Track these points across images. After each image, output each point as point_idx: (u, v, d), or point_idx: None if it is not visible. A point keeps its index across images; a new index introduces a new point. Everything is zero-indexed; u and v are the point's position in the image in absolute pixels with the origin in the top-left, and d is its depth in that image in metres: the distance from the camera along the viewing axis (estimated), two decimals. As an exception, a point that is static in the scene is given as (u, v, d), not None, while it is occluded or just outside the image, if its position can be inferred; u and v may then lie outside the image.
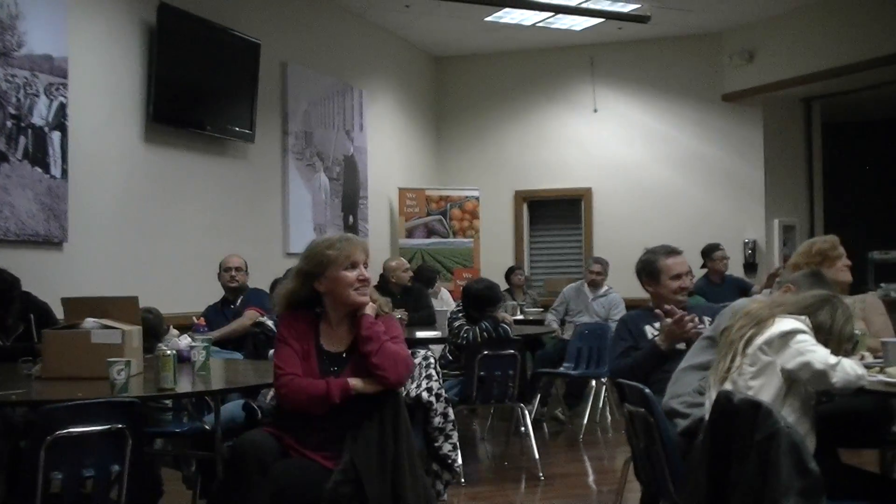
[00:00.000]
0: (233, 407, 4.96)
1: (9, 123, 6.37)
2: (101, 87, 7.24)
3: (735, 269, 10.49)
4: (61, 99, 6.75)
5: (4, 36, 6.34)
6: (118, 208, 7.37)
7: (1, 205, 6.29)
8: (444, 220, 11.72)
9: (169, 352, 3.85)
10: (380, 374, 3.67)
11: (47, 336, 4.34)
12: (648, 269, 4.77)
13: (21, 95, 6.45)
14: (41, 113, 6.61)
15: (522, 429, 6.82)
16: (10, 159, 6.37)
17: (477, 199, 11.95)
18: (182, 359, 4.39)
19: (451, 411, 4.87)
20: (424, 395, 4.68)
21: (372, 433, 3.57)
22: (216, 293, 7.26)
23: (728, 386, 3.40)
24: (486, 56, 12.60)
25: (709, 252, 9.55)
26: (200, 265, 7.74)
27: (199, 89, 8.06)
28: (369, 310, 3.79)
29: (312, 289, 3.79)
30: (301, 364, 3.72)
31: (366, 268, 3.81)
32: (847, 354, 3.39)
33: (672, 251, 4.78)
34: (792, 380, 3.31)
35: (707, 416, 3.43)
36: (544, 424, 8.44)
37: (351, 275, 3.74)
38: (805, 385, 3.32)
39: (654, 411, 3.68)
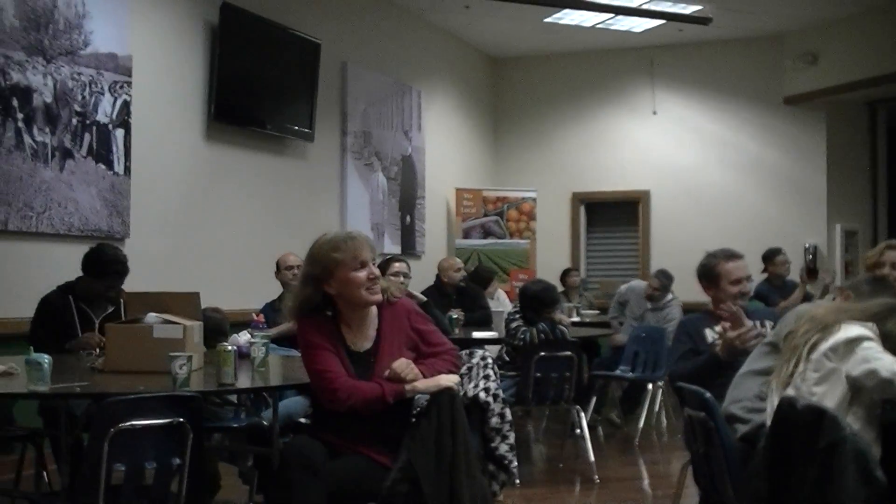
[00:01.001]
0: (290, 403, 5.00)
1: (74, 121, 6.47)
2: (164, 85, 7.34)
3: (795, 274, 10.32)
4: (125, 97, 6.85)
5: (71, 35, 6.44)
6: (179, 205, 7.47)
7: (65, 200, 6.40)
8: (500, 221, 11.70)
9: (229, 347, 3.87)
10: None
11: (110, 330, 4.39)
12: (708, 273, 4.72)
13: (86, 93, 6.56)
14: (105, 110, 6.71)
15: (577, 431, 6.77)
16: (75, 156, 6.48)
17: (534, 200, 11.92)
18: (241, 355, 4.42)
19: (508, 412, 4.86)
20: (482, 395, 4.67)
21: (430, 433, 3.55)
22: (274, 290, 7.31)
23: (791, 391, 3.34)
24: (544, 57, 12.56)
25: (770, 256, 9.40)
26: (259, 262, 7.81)
27: (259, 88, 8.14)
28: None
29: (324, 292, 3.73)
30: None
31: (374, 265, 3.73)
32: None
33: (732, 255, 4.72)
34: (857, 387, 3.25)
35: (768, 422, 3.38)
36: (599, 427, 8.39)
37: (361, 275, 3.66)
38: (870, 393, 3.26)
39: (715, 416, 3.63)
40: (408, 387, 3.63)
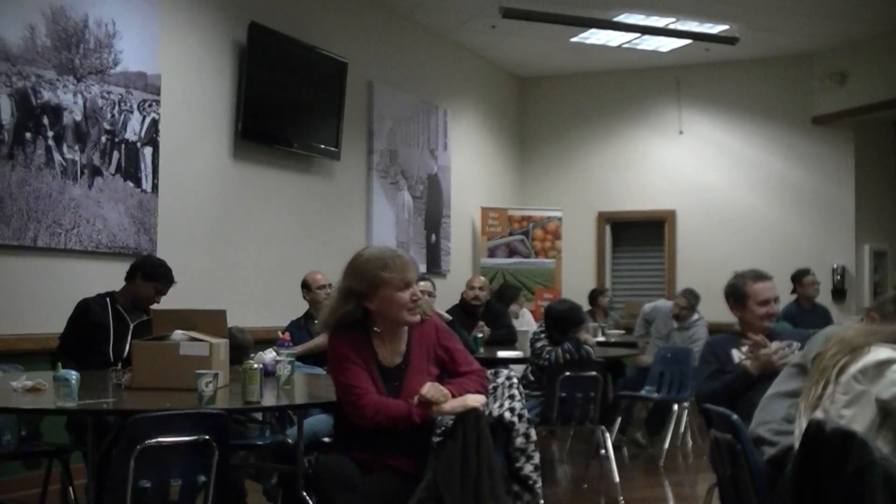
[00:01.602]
0: (315, 421, 5.00)
1: (103, 139, 6.53)
2: (192, 103, 7.40)
3: (823, 295, 10.25)
4: (153, 115, 6.91)
5: (101, 54, 6.51)
6: (206, 223, 7.51)
7: (94, 218, 6.45)
8: (525, 240, 11.69)
9: (256, 365, 3.88)
10: None
11: (137, 347, 4.42)
12: (736, 294, 4.69)
13: (115, 112, 6.62)
14: (134, 129, 6.77)
15: (602, 451, 6.74)
16: (104, 173, 6.54)
17: (559, 219, 11.90)
18: (267, 372, 4.44)
19: (532, 432, 4.82)
20: (507, 415, 4.65)
21: (455, 452, 3.57)
22: (299, 308, 7.33)
23: (819, 414, 3.31)
24: (571, 77, 12.57)
25: (799, 277, 9.31)
26: (285, 280, 7.83)
27: (287, 107, 8.18)
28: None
29: (364, 308, 3.76)
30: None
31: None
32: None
33: (760, 276, 4.70)
34: (886, 411, 3.21)
35: (796, 445, 3.34)
36: (624, 448, 8.34)
37: (405, 295, 3.72)
38: (900, 416, 3.22)
39: (742, 438, 3.60)
40: (435, 408, 3.65)
